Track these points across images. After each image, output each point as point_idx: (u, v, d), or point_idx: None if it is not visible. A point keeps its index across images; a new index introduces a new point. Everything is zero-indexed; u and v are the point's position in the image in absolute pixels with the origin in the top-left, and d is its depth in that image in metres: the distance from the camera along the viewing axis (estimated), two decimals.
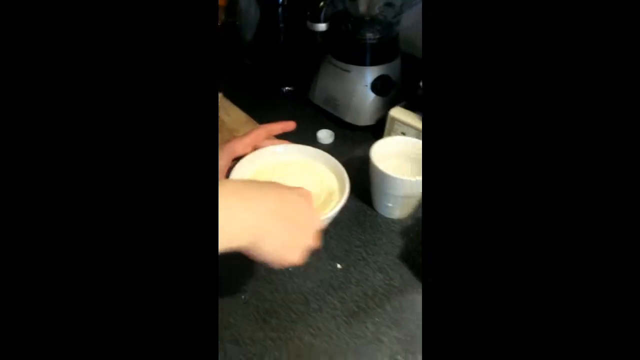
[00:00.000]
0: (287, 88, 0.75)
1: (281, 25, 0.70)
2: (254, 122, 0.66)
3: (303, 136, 0.58)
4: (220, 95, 0.70)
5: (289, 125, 0.52)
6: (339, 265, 0.46)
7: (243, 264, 0.45)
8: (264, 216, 0.32)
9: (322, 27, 0.58)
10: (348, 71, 0.62)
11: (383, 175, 0.48)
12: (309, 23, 0.58)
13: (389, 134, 0.59)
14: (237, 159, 0.49)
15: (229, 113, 0.67)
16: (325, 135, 0.64)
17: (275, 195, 0.34)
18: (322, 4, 0.55)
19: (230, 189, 0.32)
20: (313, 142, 0.64)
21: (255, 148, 0.50)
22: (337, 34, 0.61)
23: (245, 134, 0.50)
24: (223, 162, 0.48)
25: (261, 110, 0.69)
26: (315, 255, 0.47)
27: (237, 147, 0.48)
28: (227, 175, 0.47)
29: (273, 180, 0.48)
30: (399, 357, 0.38)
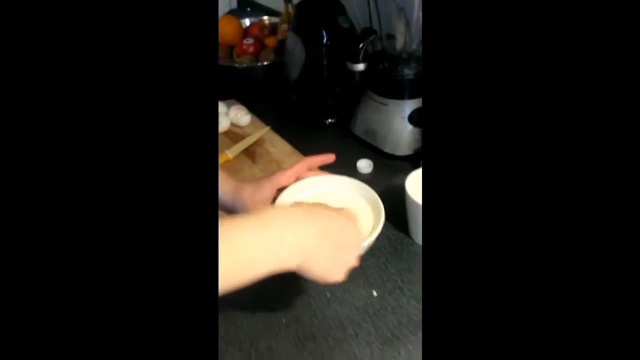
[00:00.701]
0: (329, 120, 0.79)
1: (325, 62, 0.75)
2: (299, 153, 0.71)
3: (344, 166, 0.62)
4: (268, 128, 0.76)
5: (329, 158, 0.56)
6: (375, 293, 0.48)
7: (284, 289, 0.48)
8: (312, 237, 0.35)
9: (360, 67, 0.62)
10: (386, 105, 0.65)
11: (417, 206, 0.49)
12: (348, 63, 0.62)
13: None
14: (280, 190, 0.53)
15: (275, 145, 0.73)
16: (364, 165, 0.67)
17: (322, 216, 0.37)
18: (361, 45, 0.59)
19: (280, 213, 0.35)
20: (353, 171, 0.67)
21: (297, 179, 0.54)
22: (376, 71, 0.65)
23: (289, 167, 0.54)
24: (268, 192, 0.52)
25: (305, 141, 0.73)
26: (352, 282, 0.49)
27: (281, 178, 0.53)
28: (272, 204, 0.51)
29: None
30: None
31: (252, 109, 0.80)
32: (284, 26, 0.95)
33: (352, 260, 0.38)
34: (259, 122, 0.78)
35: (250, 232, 0.32)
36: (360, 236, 0.39)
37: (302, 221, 0.35)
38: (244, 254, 0.31)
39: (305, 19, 0.74)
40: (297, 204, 0.38)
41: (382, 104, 0.65)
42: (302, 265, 0.34)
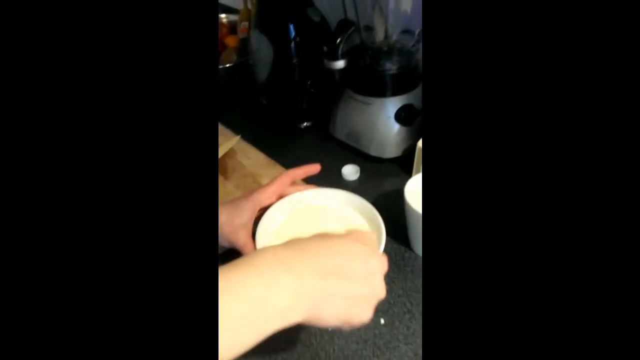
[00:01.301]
0: (305, 124, 0.73)
1: (295, 61, 0.68)
2: (275, 163, 0.64)
3: (327, 174, 0.55)
4: (238, 138, 0.68)
5: (314, 169, 0.50)
6: (382, 321, 0.42)
7: None
8: (314, 277, 0.28)
9: (340, 64, 0.55)
10: (369, 104, 0.59)
11: (419, 216, 0.44)
12: (326, 61, 0.56)
13: (419, 167, 0.55)
14: (262, 209, 0.46)
15: (248, 156, 0.65)
16: (350, 171, 0.61)
17: (325, 250, 0.30)
18: (339, 40, 0.53)
19: (270, 257, 0.28)
20: (338, 178, 0.61)
21: (280, 196, 0.47)
22: (355, 68, 0.59)
23: (269, 183, 0.47)
24: (248, 215, 0.45)
25: (281, 149, 0.67)
26: None
27: (262, 197, 0.46)
28: (254, 228, 0.44)
29: (303, 229, 0.45)
30: None
31: (218, 117, 0.72)
32: (245, 24, 0.88)
33: (377, 292, 0.31)
34: (227, 132, 0.70)
35: (234, 286, 0.25)
36: (379, 260, 0.32)
37: (296, 260, 0.28)
38: (232, 317, 0.24)
39: (269, 14, 0.67)
40: (290, 243, 0.31)
41: (364, 103, 0.59)
42: (311, 314, 0.27)
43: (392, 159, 0.61)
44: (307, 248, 0.30)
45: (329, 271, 0.29)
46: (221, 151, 0.65)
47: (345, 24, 0.54)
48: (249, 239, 0.43)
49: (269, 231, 0.44)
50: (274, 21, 0.67)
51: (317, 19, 0.65)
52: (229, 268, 0.26)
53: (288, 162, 0.62)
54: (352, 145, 0.63)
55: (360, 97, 0.60)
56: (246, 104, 0.78)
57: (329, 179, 0.60)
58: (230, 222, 0.44)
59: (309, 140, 0.70)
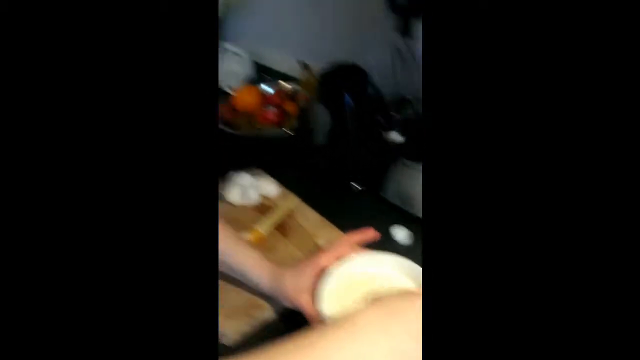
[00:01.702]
0: (359, 186, 0.77)
1: (352, 129, 0.74)
2: (330, 224, 0.68)
3: (380, 237, 0.58)
4: (297, 199, 0.73)
5: (372, 235, 0.53)
6: None
7: None
8: (406, 341, 0.30)
9: (394, 136, 0.60)
10: (421, 171, 0.63)
11: None
12: (384, 134, 0.61)
13: None
14: (323, 272, 0.49)
15: (307, 218, 0.70)
16: (403, 235, 0.63)
17: (411, 314, 0.32)
18: (398, 116, 0.58)
19: (369, 317, 0.31)
20: (390, 241, 0.63)
21: (339, 259, 0.51)
22: (407, 137, 0.63)
23: (329, 247, 0.51)
24: (310, 279, 0.48)
25: (336, 211, 0.70)
26: None
27: (323, 261, 0.49)
28: (314, 292, 0.47)
29: (364, 294, 0.47)
30: None
31: (278, 178, 0.79)
32: (305, 92, 0.96)
33: None
34: (287, 192, 0.76)
35: (341, 345, 0.29)
36: None
37: (393, 323, 0.31)
38: None
39: (330, 89, 0.74)
40: (378, 301, 0.34)
41: (417, 170, 0.63)
42: None
43: None
44: (398, 310, 0.33)
45: (418, 336, 0.30)
46: (282, 211, 0.70)
47: (399, 101, 0.60)
48: (312, 303, 0.46)
49: (331, 295, 0.47)
50: (333, 93, 0.74)
51: (372, 92, 0.72)
52: (330, 330, 0.30)
53: (343, 223, 0.66)
54: (405, 209, 0.66)
55: (413, 164, 0.64)
56: (304, 166, 0.84)
57: (382, 241, 0.62)
58: (294, 286, 0.48)
59: (363, 203, 0.74)
